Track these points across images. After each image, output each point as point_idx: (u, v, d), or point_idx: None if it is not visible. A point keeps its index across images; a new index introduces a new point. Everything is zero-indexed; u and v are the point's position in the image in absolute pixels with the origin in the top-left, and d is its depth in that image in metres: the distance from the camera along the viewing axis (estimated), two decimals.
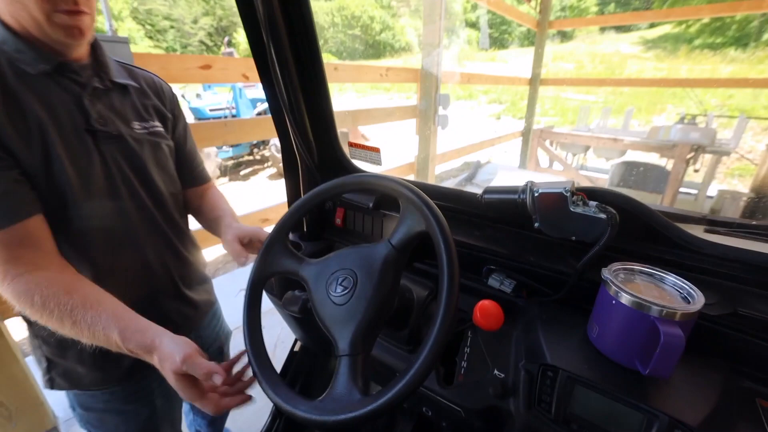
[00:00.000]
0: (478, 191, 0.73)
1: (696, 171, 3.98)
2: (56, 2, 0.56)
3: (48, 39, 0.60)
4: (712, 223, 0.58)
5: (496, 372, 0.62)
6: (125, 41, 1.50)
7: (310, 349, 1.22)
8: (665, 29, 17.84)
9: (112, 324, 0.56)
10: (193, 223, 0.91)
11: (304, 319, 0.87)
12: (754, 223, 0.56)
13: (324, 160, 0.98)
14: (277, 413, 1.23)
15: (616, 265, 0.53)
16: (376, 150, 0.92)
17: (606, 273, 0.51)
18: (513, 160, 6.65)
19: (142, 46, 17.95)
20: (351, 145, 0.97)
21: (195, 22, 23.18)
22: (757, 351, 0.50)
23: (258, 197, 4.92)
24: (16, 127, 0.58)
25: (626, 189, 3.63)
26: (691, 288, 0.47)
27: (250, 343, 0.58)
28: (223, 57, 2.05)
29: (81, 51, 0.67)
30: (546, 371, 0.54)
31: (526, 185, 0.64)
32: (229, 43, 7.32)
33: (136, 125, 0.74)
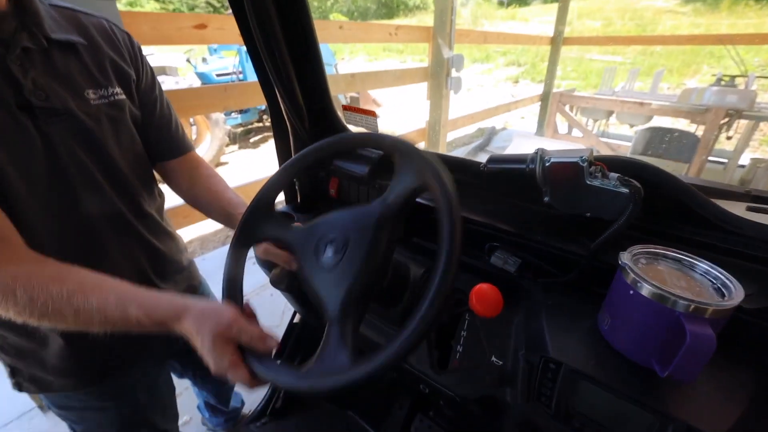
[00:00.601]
0: None
1: (729, 138, 3.70)
2: None
3: None
4: (758, 200, 0.49)
5: (493, 359, 0.57)
6: None
7: (310, 323, 1.21)
8: None
9: (127, 300, 0.48)
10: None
11: (295, 293, 0.84)
12: None
13: (317, 126, 0.91)
14: None
15: (637, 248, 0.45)
16: (373, 114, 0.83)
17: (624, 258, 0.44)
18: (530, 126, 6.36)
19: (148, 8, 17.44)
20: (345, 108, 0.88)
21: None
22: None
23: (269, 165, 4.87)
24: None
25: (651, 158, 3.42)
26: (726, 278, 0.40)
27: None
28: (220, 16, 1.92)
29: None
30: (548, 363, 0.48)
31: (536, 154, 0.55)
32: None
33: (91, 94, 0.60)
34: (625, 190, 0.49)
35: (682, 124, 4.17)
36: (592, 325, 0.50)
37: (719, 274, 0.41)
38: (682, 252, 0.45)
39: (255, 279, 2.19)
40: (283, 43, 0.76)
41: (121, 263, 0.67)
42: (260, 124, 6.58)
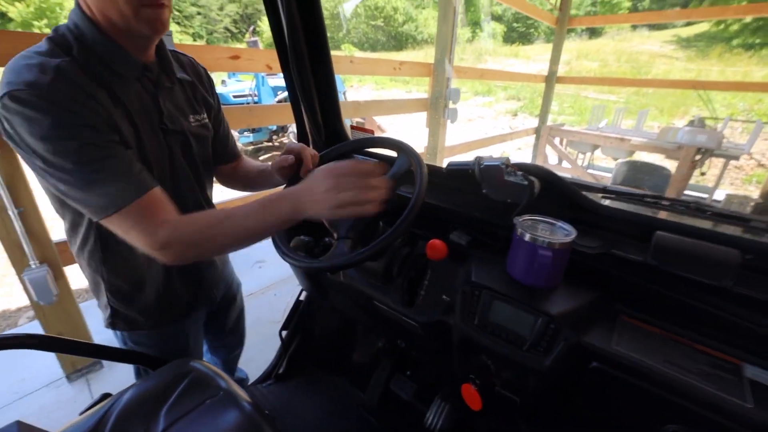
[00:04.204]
0: None
1: (703, 174, 4.01)
2: None
3: (132, 34, 0.64)
4: (606, 191, 0.77)
5: (444, 297, 0.83)
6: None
7: (314, 300, 1.45)
8: (703, 27, 17.15)
9: (275, 201, 0.65)
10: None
11: (307, 269, 1.09)
12: (633, 191, 0.75)
13: (330, 140, 1.20)
14: (282, 352, 1.48)
15: (525, 217, 0.73)
16: (372, 132, 1.13)
17: (516, 220, 0.71)
18: (526, 157, 6.74)
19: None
20: (352, 128, 1.18)
21: (221, 8, 23.65)
22: (623, 282, 0.69)
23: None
24: (122, 122, 0.65)
25: (629, 188, 3.71)
26: (570, 229, 0.67)
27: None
28: (250, 49, 2.27)
29: (152, 49, 0.71)
30: (474, 291, 0.74)
31: (476, 159, 0.84)
32: (254, 32, 7.57)
33: (191, 118, 0.79)
34: (526, 182, 0.76)
35: (663, 159, 4.50)
36: (503, 267, 0.76)
37: (568, 228, 0.68)
38: (550, 217, 0.72)
39: (259, 281, 2.47)
40: (310, 74, 1.07)
41: None
42: (270, 144, 6.97)
